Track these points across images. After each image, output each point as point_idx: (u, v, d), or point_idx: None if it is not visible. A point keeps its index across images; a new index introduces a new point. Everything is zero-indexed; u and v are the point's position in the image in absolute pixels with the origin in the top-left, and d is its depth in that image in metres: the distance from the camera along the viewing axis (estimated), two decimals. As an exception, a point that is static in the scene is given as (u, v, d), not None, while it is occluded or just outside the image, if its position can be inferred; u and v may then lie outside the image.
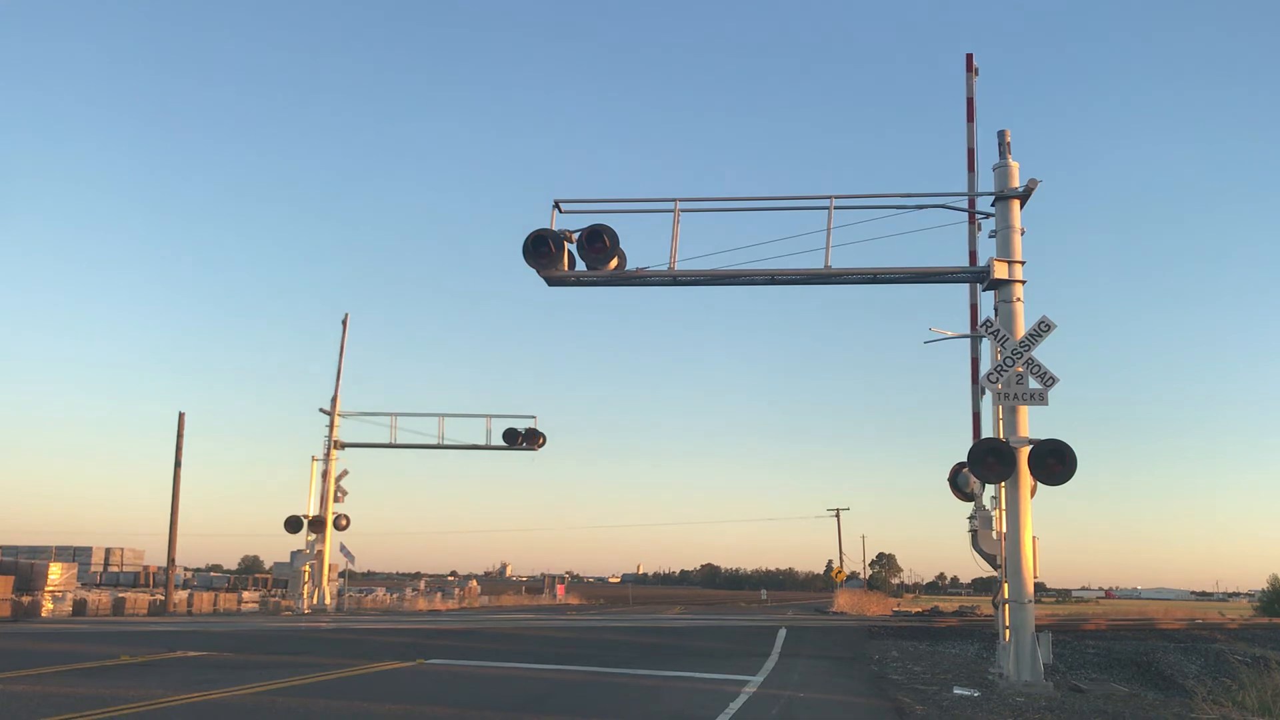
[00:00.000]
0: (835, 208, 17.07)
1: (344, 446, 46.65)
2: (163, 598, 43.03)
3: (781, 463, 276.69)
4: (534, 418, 45.95)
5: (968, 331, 18.69)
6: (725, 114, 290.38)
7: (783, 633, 28.11)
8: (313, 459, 46.65)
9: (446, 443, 45.93)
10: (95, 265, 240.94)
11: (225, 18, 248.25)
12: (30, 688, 13.20)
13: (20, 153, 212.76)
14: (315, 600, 45.27)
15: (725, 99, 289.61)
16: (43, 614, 35.52)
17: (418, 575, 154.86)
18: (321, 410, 46.86)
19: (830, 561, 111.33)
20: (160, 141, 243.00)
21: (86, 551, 54.59)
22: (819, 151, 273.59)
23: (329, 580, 46.75)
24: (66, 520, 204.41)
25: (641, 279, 17.99)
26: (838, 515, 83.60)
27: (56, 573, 38.83)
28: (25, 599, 35.99)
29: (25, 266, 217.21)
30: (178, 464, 45.31)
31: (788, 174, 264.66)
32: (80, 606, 38.22)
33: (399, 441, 46.25)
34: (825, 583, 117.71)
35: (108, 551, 56.12)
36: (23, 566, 38.81)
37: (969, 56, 18.86)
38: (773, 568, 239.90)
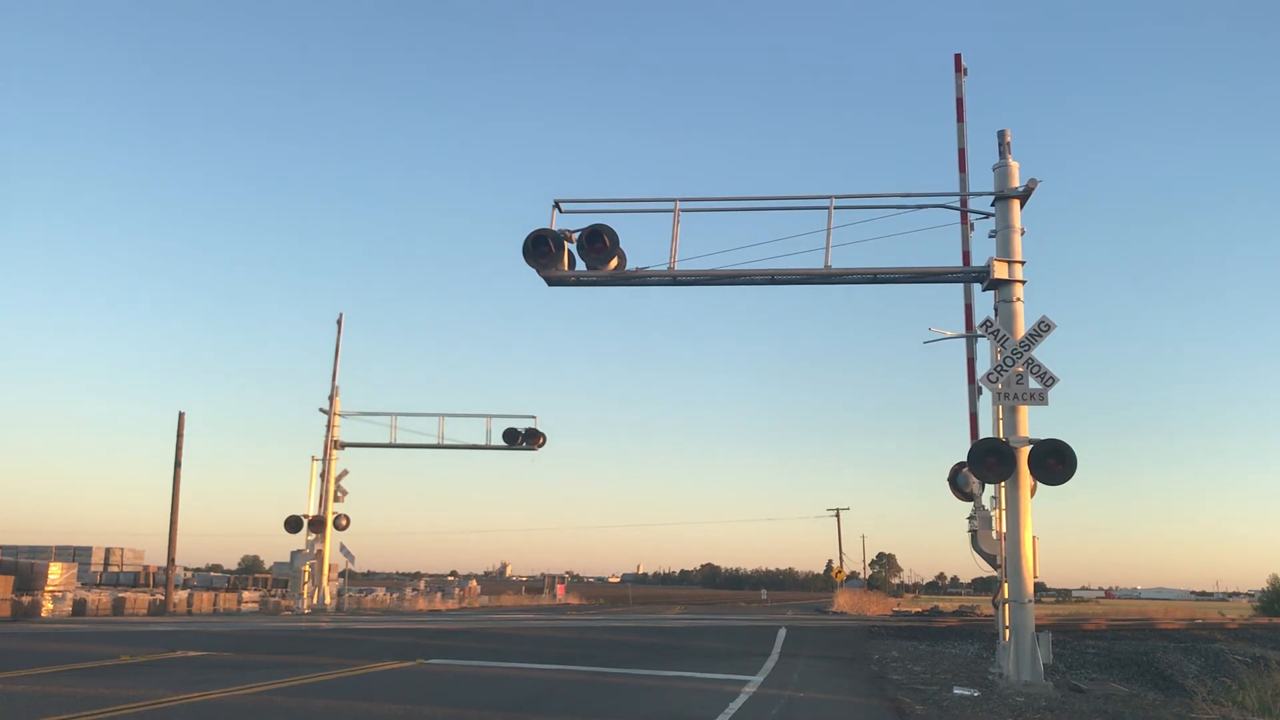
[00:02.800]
0: (835, 207, 17.10)
1: (343, 446, 46.64)
2: (163, 598, 43.02)
3: (782, 462, 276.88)
4: (534, 417, 45.98)
5: (963, 331, 18.70)
6: (726, 114, 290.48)
7: (782, 632, 28.12)
8: (312, 459, 46.67)
9: (446, 442, 45.92)
10: (94, 264, 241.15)
11: (222, 14, 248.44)
12: (30, 688, 13.20)
13: (18, 151, 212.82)
14: (315, 600, 45.26)
15: (727, 99, 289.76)
16: (43, 614, 35.51)
17: (418, 575, 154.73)
18: (321, 410, 46.88)
19: (830, 561, 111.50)
20: (158, 139, 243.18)
21: (86, 551, 54.58)
22: (821, 151, 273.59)
23: (329, 580, 46.74)
24: (66, 520, 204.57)
25: (641, 279, 18.01)
26: (837, 515, 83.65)
27: (56, 573, 38.84)
28: (25, 599, 35.98)
29: (23, 265, 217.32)
30: (178, 464, 45.32)
31: (788, 174, 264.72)
32: (80, 606, 38.21)
33: (399, 441, 46.23)
34: (825, 583, 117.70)
35: (108, 551, 56.12)
36: (23, 566, 38.81)
37: (957, 57, 18.89)
38: (773, 567, 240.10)
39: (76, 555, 52.59)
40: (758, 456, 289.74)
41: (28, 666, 15.73)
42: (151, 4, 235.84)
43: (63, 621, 32.72)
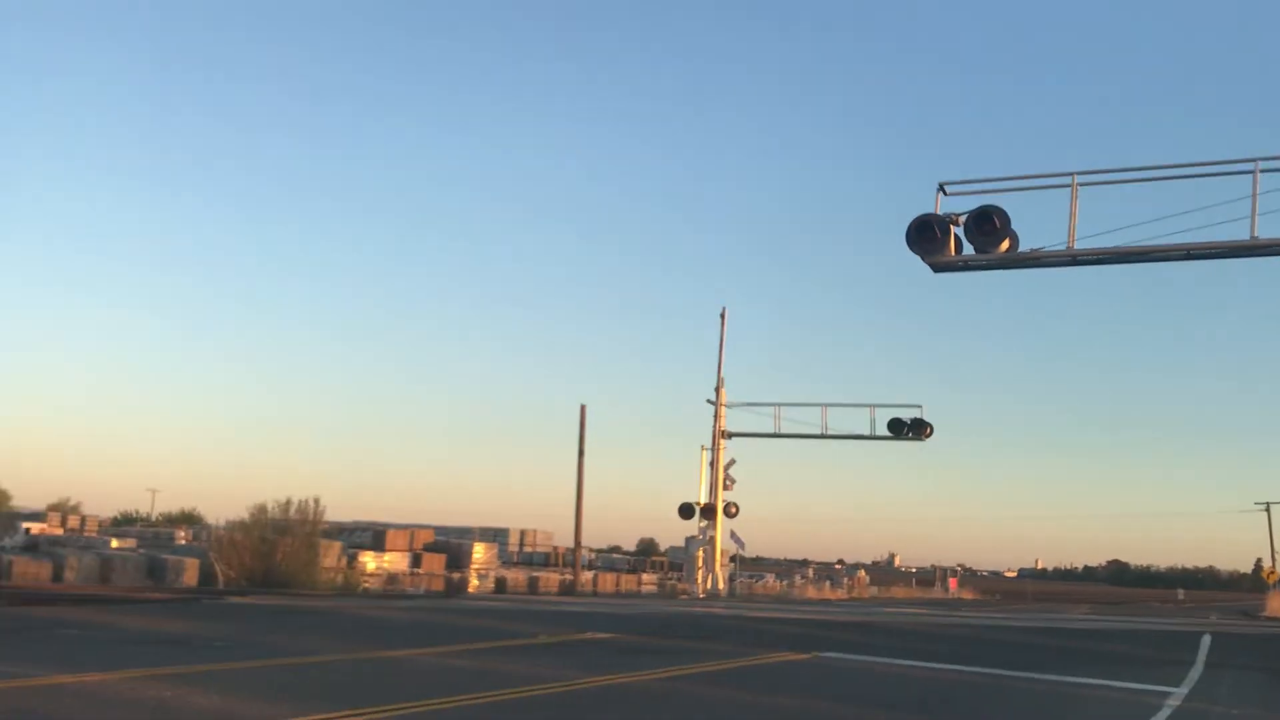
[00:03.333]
0: (1261, 170, 15.37)
1: (730, 436, 47.97)
2: (571, 577, 46.33)
3: (1197, 451, 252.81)
4: (920, 407, 44.99)
5: None
6: (1116, 79, 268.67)
7: (1206, 639, 25.64)
8: (701, 448, 48.35)
9: (830, 432, 46.02)
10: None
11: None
12: (468, 662, 14.61)
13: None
14: (709, 585, 46.83)
15: (1117, 63, 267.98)
16: (469, 590, 39.35)
17: (805, 562, 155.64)
18: (708, 401, 48.48)
19: (1259, 560, 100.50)
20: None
21: (504, 533, 59.72)
22: (1229, 110, 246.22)
23: (721, 565, 48.20)
24: (486, 502, 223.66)
25: (1035, 260, 17.16)
26: (1267, 509, 75.78)
27: (479, 552, 43.04)
28: (455, 575, 40.15)
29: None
30: (581, 452, 48.45)
31: (1186, 139, 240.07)
32: (500, 584, 42.00)
33: (783, 431, 46.95)
34: (1254, 583, 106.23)
35: (522, 533, 61.17)
36: (452, 546, 43.46)
37: None
38: (1189, 565, 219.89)
39: (496, 536, 57.66)
40: (1167, 445, 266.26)
41: (463, 641, 17.45)
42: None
43: (486, 599, 36.01)
